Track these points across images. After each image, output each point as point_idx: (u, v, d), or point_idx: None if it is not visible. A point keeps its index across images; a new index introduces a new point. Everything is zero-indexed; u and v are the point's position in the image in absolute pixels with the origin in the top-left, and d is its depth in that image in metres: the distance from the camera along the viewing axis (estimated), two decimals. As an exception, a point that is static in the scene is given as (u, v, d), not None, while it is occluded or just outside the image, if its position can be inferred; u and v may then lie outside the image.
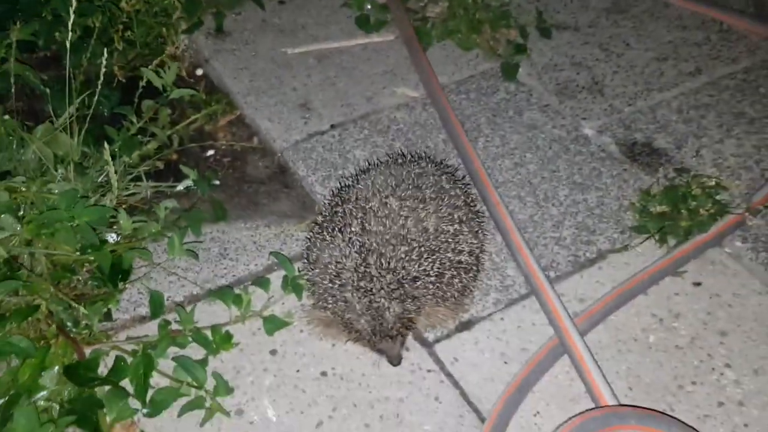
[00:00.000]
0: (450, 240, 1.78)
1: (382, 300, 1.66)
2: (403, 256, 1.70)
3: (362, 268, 1.68)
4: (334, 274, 1.71)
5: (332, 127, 2.56)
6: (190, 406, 1.70)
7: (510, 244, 2.05)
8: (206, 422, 1.71)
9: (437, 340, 1.93)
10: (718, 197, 2.17)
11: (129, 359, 1.80)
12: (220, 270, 2.10)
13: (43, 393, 1.68)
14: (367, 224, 1.73)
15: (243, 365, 1.87)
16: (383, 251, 1.69)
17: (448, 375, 1.85)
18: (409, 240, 1.72)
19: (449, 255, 1.76)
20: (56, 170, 2.08)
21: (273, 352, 1.90)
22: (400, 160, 1.98)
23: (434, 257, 1.73)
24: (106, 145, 1.97)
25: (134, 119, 2.36)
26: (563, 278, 2.06)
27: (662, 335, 1.92)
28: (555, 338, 1.85)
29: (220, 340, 1.87)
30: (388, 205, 1.76)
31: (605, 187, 2.31)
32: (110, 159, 1.97)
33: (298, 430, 1.74)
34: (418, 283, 1.70)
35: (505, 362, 1.87)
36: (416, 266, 1.70)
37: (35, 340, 1.80)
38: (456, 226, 1.81)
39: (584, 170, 2.37)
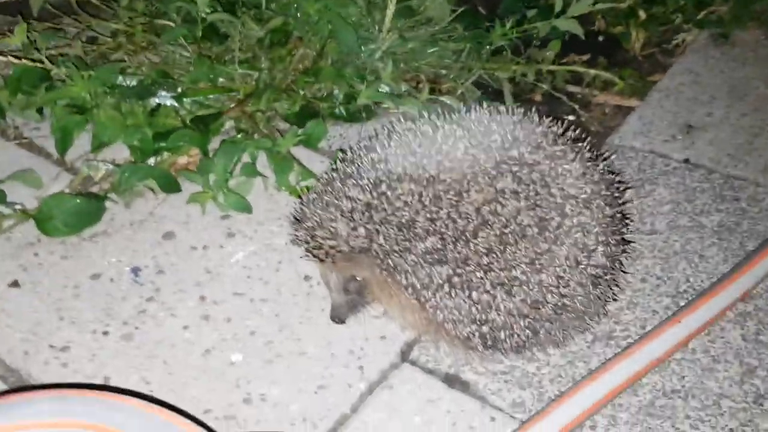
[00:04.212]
0: (501, 250, 1.15)
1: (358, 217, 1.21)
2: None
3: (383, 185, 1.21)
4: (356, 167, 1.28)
5: (685, 161, 1.83)
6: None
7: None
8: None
9: (414, 362, 1.32)
10: None
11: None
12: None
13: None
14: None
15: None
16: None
17: (369, 391, 1.27)
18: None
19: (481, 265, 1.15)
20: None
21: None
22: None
23: (451, 250, 1.16)
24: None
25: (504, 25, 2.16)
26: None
27: None
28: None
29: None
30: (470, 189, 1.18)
31: None
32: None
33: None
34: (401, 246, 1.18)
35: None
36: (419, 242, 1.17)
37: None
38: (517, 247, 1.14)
39: None
